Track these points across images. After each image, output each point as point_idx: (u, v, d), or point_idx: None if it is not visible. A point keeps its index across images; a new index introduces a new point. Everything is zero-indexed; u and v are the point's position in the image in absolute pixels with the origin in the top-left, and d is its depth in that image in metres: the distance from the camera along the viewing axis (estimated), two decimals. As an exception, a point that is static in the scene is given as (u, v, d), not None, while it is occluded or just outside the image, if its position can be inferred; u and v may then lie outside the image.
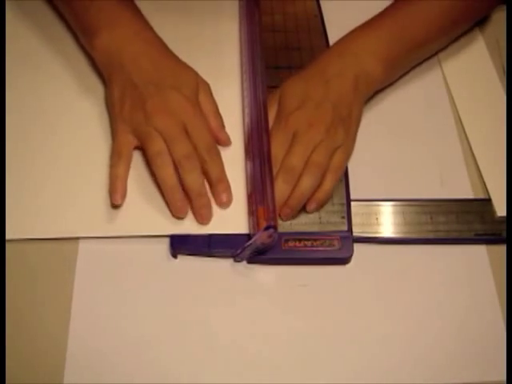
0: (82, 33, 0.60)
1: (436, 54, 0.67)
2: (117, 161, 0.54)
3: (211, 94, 0.58)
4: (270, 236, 0.50)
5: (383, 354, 0.50)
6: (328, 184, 0.54)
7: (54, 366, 0.48)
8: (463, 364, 0.50)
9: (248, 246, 0.51)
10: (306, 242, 0.53)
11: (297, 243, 0.53)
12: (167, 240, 0.53)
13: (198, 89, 0.57)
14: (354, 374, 0.49)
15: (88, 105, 0.61)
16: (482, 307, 0.53)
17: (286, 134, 0.55)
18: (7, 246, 0.52)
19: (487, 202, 0.57)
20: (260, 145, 0.55)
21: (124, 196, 0.54)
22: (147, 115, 0.53)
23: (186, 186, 0.53)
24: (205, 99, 0.57)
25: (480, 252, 0.55)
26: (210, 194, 0.55)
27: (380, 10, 0.62)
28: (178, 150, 0.53)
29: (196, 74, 0.58)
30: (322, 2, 0.70)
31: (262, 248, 0.52)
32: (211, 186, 0.55)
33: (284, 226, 0.54)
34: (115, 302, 0.51)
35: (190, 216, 0.54)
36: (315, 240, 0.53)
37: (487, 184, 0.58)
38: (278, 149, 0.55)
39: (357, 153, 0.57)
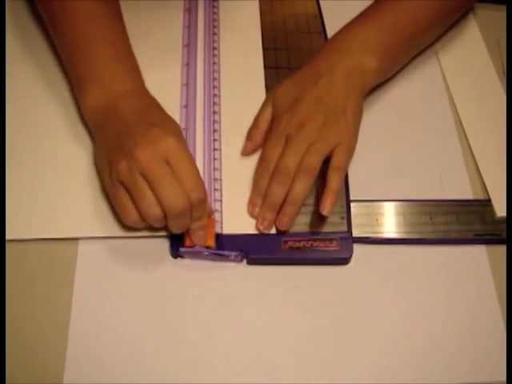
0: (73, 82, 0.58)
1: (435, 54, 0.67)
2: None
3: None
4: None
5: (383, 354, 0.50)
6: (334, 183, 0.53)
7: (53, 367, 0.48)
8: (463, 364, 0.50)
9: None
10: (305, 243, 0.53)
11: (297, 243, 0.53)
12: (167, 240, 0.53)
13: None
14: (354, 374, 0.49)
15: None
16: (482, 307, 0.53)
17: (279, 136, 0.55)
18: (7, 246, 0.52)
19: (487, 202, 0.57)
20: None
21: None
22: (125, 158, 0.49)
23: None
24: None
25: (480, 252, 0.55)
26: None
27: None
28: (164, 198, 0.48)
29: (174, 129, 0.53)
30: (321, 2, 0.70)
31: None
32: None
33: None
34: (115, 303, 0.51)
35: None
36: (315, 240, 0.53)
37: (487, 184, 0.58)
38: (271, 151, 0.55)
39: (357, 153, 0.57)
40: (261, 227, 0.53)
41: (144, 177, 0.48)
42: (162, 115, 0.54)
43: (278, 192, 0.53)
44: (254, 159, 0.58)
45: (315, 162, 0.53)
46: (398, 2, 0.61)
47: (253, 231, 0.54)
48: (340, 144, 0.54)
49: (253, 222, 0.54)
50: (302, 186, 0.53)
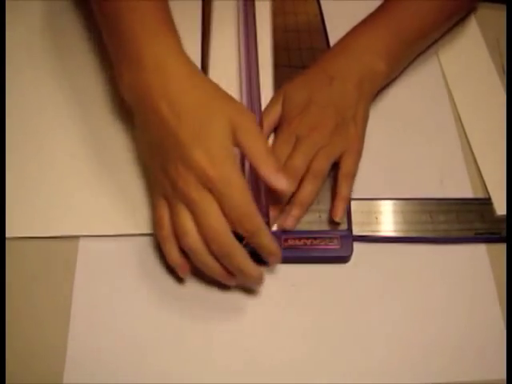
0: (113, 59, 0.53)
1: (436, 53, 0.67)
2: (166, 245, 0.49)
3: (254, 128, 0.48)
4: None
5: (383, 354, 0.50)
6: (344, 190, 0.53)
7: (53, 366, 0.48)
8: (463, 362, 0.50)
9: (245, 245, 0.51)
10: (305, 241, 0.53)
11: (297, 242, 0.53)
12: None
13: (232, 131, 0.47)
14: (354, 374, 0.49)
15: (89, 105, 0.61)
16: (482, 306, 0.53)
17: (289, 137, 0.55)
18: (7, 244, 0.52)
19: (487, 201, 0.56)
20: None
21: (186, 268, 0.50)
22: (171, 183, 0.47)
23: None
24: (245, 140, 0.47)
25: (480, 251, 0.55)
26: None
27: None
28: (203, 225, 0.46)
29: (230, 111, 0.47)
30: (322, 2, 0.70)
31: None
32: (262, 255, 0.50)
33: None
34: (115, 302, 0.51)
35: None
36: (315, 239, 0.53)
37: (487, 183, 0.58)
38: (280, 151, 0.55)
39: (356, 152, 0.57)
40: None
41: (187, 207, 0.46)
42: (203, 110, 0.47)
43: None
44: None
45: (324, 165, 0.53)
46: (405, 4, 0.61)
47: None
48: (348, 149, 0.55)
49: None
50: (311, 189, 0.53)
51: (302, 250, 0.53)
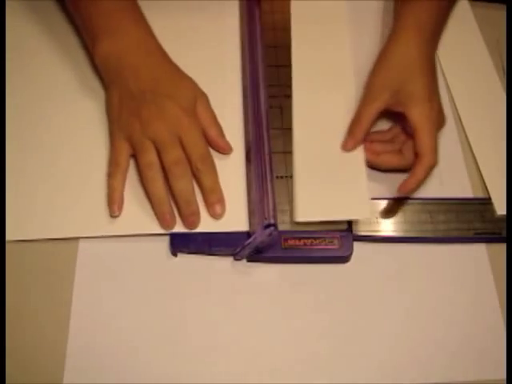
0: (85, 37, 0.60)
1: (436, 53, 0.67)
2: (114, 171, 0.55)
3: (209, 104, 0.58)
4: (269, 234, 0.50)
5: (383, 353, 0.50)
6: (421, 172, 0.54)
7: (53, 366, 0.48)
8: (463, 362, 0.50)
9: (248, 244, 0.51)
10: (305, 241, 0.53)
11: (297, 242, 0.53)
12: (167, 239, 0.53)
13: (195, 100, 0.57)
14: (354, 373, 0.49)
15: (88, 105, 0.61)
16: (482, 306, 0.53)
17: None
18: (7, 246, 0.52)
19: (487, 200, 0.57)
20: (260, 145, 0.55)
21: (121, 207, 0.54)
22: (142, 123, 0.54)
23: (175, 192, 0.53)
24: (202, 110, 0.57)
25: (480, 251, 0.55)
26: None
27: (380, 10, 0.62)
28: (168, 157, 0.53)
29: (195, 84, 0.58)
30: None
31: (261, 246, 0.52)
32: (204, 195, 0.55)
33: (284, 225, 0.53)
34: (115, 302, 0.51)
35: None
36: (315, 238, 0.53)
37: (487, 183, 0.58)
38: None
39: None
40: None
41: (156, 149, 0.53)
42: (176, 78, 0.57)
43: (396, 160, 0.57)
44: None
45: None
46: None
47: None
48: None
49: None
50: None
51: (301, 250, 0.53)
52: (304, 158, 0.56)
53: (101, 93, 0.61)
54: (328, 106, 0.59)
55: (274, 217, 0.51)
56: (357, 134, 0.57)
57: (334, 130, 0.58)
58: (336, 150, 0.57)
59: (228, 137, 0.58)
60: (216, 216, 0.54)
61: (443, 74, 0.66)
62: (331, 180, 0.55)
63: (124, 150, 0.55)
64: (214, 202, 0.54)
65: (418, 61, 0.57)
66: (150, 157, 0.53)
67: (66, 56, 0.64)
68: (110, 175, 0.55)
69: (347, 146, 0.57)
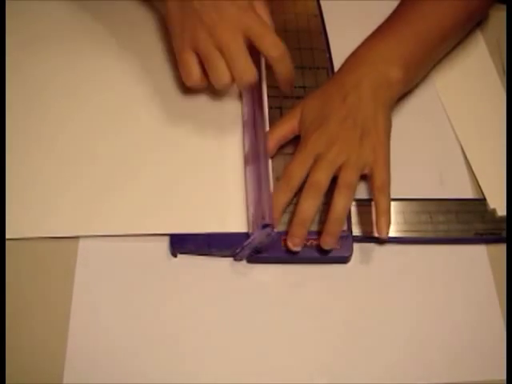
0: None
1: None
2: (192, 69, 0.56)
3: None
4: (268, 235, 0.50)
5: (383, 354, 0.50)
6: (383, 204, 0.52)
7: (53, 367, 0.48)
8: (463, 363, 0.50)
9: (246, 245, 0.51)
10: (305, 242, 0.53)
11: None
12: (167, 239, 0.53)
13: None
14: (354, 374, 0.49)
15: (90, 104, 0.61)
16: (482, 307, 0.53)
17: (308, 155, 0.54)
18: (7, 244, 0.52)
19: (486, 201, 0.56)
20: (257, 146, 0.55)
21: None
22: (206, 30, 0.54)
23: None
24: (259, 5, 0.56)
25: (480, 251, 0.55)
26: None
27: (380, 10, 0.62)
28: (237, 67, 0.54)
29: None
30: (322, 2, 0.70)
31: (260, 247, 0.52)
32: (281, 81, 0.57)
33: (284, 225, 0.53)
34: (115, 301, 0.51)
35: (190, 215, 0.54)
36: (315, 239, 0.53)
37: (481, 185, 0.58)
38: (296, 169, 0.54)
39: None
40: (290, 245, 0.52)
41: (220, 51, 0.54)
42: None
43: (308, 207, 0.52)
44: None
45: (353, 177, 0.52)
46: (422, 9, 0.60)
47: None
48: (376, 160, 0.53)
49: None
50: (343, 203, 0.51)
51: (302, 250, 0.52)
52: None
53: (104, 91, 0.61)
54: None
55: (271, 217, 0.50)
56: (274, 135, 0.57)
57: None
58: None
59: (227, 138, 0.58)
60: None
61: (443, 74, 0.66)
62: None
63: (192, 59, 0.55)
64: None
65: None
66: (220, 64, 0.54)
67: (65, 60, 0.64)
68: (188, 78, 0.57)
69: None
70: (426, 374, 0.50)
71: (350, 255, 0.53)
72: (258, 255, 0.52)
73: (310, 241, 0.53)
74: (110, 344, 0.49)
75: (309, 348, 0.50)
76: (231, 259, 0.53)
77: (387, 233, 0.52)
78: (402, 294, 0.53)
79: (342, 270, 0.54)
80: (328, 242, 0.52)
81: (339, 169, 0.53)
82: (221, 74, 0.54)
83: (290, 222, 0.53)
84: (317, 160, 0.53)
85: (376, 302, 0.52)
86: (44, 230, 0.53)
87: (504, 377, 0.48)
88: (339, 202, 0.51)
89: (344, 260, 0.54)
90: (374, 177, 0.53)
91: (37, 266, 0.52)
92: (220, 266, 0.53)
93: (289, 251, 0.52)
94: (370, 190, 0.54)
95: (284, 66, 0.55)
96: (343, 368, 0.50)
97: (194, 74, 0.55)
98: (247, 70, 0.54)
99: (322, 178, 0.52)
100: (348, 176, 0.52)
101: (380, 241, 0.54)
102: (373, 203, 0.53)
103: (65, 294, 0.51)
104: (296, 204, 0.53)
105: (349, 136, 0.54)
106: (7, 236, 0.52)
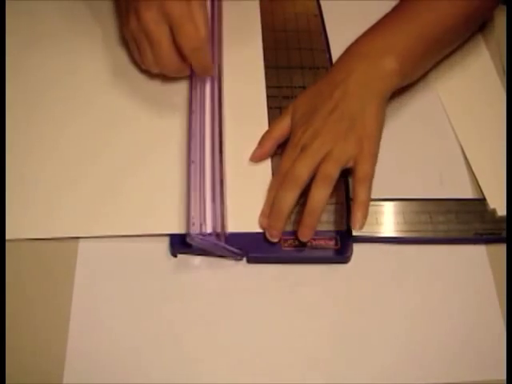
0: None
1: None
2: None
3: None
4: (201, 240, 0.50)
5: (382, 354, 0.50)
6: (362, 195, 0.51)
7: (53, 367, 0.48)
8: (463, 363, 0.50)
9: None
10: (308, 241, 0.53)
11: (297, 242, 0.53)
12: (167, 239, 0.53)
13: None
14: (353, 374, 0.49)
15: (91, 104, 0.61)
16: (482, 307, 0.53)
17: (294, 148, 0.54)
18: (7, 245, 0.52)
19: (486, 201, 0.56)
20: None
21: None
22: (135, 16, 0.55)
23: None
24: None
25: (480, 251, 0.55)
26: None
27: (380, 10, 0.62)
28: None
29: None
30: (322, 2, 0.70)
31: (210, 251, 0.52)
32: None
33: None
34: (115, 302, 0.51)
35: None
36: (314, 239, 0.53)
37: (481, 185, 0.58)
38: (285, 164, 0.54)
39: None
40: (268, 236, 0.52)
41: (146, 37, 0.55)
42: None
43: (284, 199, 0.52)
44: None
45: (332, 170, 0.51)
46: (423, 4, 0.59)
47: (253, 230, 0.54)
48: (360, 152, 0.53)
49: (253, 221, 0.54)
50: (320, 195, 0.51)
51: (301, 250, 0.53)
52: None
53: (105, 92, 0.61)
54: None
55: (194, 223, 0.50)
56: (265, 145, 0.57)
57: None
58: None
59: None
60: None
61: (443, 74, 0.66)
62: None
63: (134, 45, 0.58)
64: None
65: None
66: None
67: (63, 62, 0.64)
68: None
69: (255, 155, 0.57)
70: (425, 373, 0.50)
71: (350, 255, 0.53)
72: (258, 255, 0.53)
73: (310, 240, 0.53)
74: (110, 344, 0.49)
75: (308, 348, 0.50)
76: (231, 259, 0.53)
77: (361, 227, 0.51)
78: (401, 294, 0.53)
79: (341, 270, 0.54)
80: (305, 234, 0.51)
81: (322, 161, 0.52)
82: (147, 60, 0.57)
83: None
84: (301, 152, 0.53)
85: (375, 301, 0.52)
86: (44, 231, 0.53)
87: (504, 377, 0.48)
88: (315, 194, 0.51)
89: (344, 260, 0.54)
90: (356, 168, 0.52)
91: (37, 267, 0.52)
92: (220, 266, 0.53)
93: (288, 251, 0.52)
94: (352, 181, 0.53)
95: (196, 58, 0.56)
96: (342, 368, 0.49)
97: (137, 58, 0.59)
98: (169, 60, 0.56)
99: (303, 170, 0.52)
100: (327, 168, 0.52)
101: (380, 241, 0.54)
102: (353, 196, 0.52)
103: (65, 294, 0.51)
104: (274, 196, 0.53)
105: (334, 128, 0.53)
106: (7, 237, 0.52)
